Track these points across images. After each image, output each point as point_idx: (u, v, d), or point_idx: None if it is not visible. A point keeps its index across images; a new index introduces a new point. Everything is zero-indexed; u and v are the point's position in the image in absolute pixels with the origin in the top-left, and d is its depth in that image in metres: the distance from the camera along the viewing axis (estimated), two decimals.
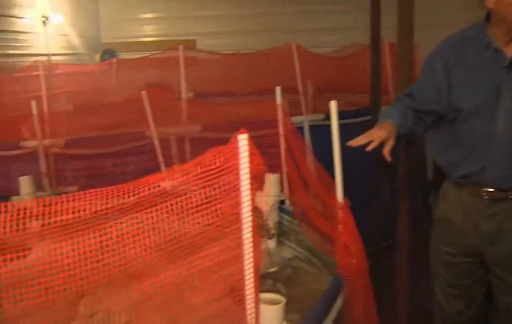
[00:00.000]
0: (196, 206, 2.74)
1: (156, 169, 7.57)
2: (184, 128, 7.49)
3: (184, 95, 7.96)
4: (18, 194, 7.49)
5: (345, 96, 9.99)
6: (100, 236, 2.68)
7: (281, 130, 6.05)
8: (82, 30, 15.16)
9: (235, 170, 2.79)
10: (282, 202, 6.17)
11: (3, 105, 9.31)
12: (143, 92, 7.30)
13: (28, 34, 12.55)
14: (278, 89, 5.95)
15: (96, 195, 2.58)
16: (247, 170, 2.79)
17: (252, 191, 2.78)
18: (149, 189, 2.66)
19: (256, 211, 2.84)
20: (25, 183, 7.46)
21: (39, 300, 2.33)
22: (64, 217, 2.39)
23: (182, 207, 2.72)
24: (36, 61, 10.06)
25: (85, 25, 15.46)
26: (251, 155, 2.83)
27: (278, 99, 5.95)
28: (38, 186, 7.60)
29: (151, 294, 2.87)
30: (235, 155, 2.80)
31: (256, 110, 7.92)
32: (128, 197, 2.67)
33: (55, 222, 2.36)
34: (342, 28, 14.55)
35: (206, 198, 2.76)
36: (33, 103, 7.62)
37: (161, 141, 7.38)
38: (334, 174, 4.00)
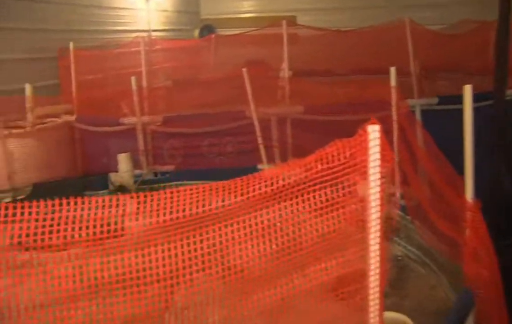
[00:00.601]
0: (316, 210, 2.28)
1: (254, 151, 7.23)
2: (286, 109, 7.06)
3: (286, 74, 7.51)
4: (116, 170, 7.46)
5: (459, 78, 9.09)
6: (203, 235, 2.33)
7: (394, 115, 5.44)
8: (182, 6, 15.12)
9: (363, 168, 2.29)
10: (391, 195, 5.61)
11: (105, 81, 9.34)
12: (244, 69, 6.93)
13: (131, 10, 12.64)
14: (392, 70, 5.35)
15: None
16: (378, 169, 2.29)
17: (381, 193, 2.29)
18: (263, 187, 2.23)
19: (387, 215, 2.36)
20: (123, 160, 7.39)
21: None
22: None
23: (298, 210, 2.28)
24: (137, 36, 10.01)
25: (185, 1, 15.42)
26: (382, 150, 2.32)
27: (393, 81, 5.35)
28: (135, 163, 7.52)
29: (251, 295, 2.47)
30: (363, 150, 2.30)
31: (361, 91, 7.31)
32: (236, 195, 2.27)
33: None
34: (450, 2, 13.55)
35: (327, 200, 2.30)
36: (133, 79, 7.50)
37: (260, 122, 7.00)
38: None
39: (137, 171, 7.50)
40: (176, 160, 7.59)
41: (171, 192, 2.23)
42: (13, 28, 8.76)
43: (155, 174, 7.60)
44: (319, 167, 2.30)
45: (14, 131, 7.50)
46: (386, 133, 6.00)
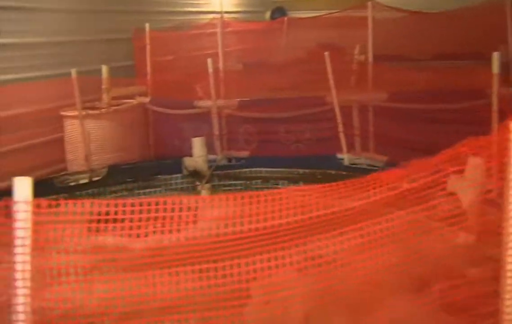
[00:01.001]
0: (445, 218, 1.96)
1: (334, 139, 6.90)
2: (368, 96, 6.67)
3: (370, 58, 7.10)
4: (188, 155, 7.32)
5: None
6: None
7: (494, 105, 4.96)
8: None
9: (502, 172, 1.95)
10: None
11: (179, 63, 9.23)
12: (326, 53, 6.59)
13: None
14: (495, 55, 4.85)
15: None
16: None
17: None
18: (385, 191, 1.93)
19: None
20: (198, 144, 7.22)
21: None
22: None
23: (424, 218, 1.97)
24: (213, 18, 9.83)
25: None
26: None
27: (495, 68, 4.86)
28: (209, 148, 7.35)
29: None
30: (503, 150, 1.95)
31: (451, 78, 6.81)
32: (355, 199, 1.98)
33: None
34: None
35: (457, 208, 1.97)
36: (209, 61, 7.31)
37: (340, 109, 6.66)
38: None
39: (211, 156, 7.33)
40: (251, 146, 7.37)
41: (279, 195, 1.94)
42: (91, 10, 8.78)
43: (229, 159, 7.41)
44: (450, 169, 1.97)
45: (91, 112, 7.50)
46: (475, 124, 5.48)
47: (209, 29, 9.44)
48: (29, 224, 1.88)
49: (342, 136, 6.68)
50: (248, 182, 7.24)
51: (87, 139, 7.26)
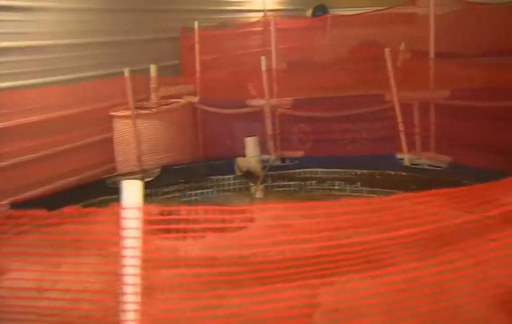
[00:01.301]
0: None
1: (393, 138, 6.64)
2: (429, 93, 6.39)
3: (432, 54, 6.82)
4: (242, 155, 7.16)
5: None
6: None
7: None
8: None
9: None
10: None
11: (227, 61, 9.09)
12: (387, 49, 6.35)
13: None
14: None
15: None
16: None
17: None
18: None
19: None
20: (251, 144, 7.06)
21: None
22: None
23: None
24: (264, 16, 9.66)
25: None
26: None
27: None
28: (262, 148, 7.18)
29: None
30: None
31: None
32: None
33: None
34: None
35: None
36: (263, 60, 7.14)
37: (400, 107, 6.40)
38: None
39: (264, 156, 7.16)
40: (306, 145, 7.15)
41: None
42: (140, 9, 8.71)
43: (283, 160, 7.22)
44: None
45: (141, 112, 7.40)
46: None
47: (256, 27, 9.26)
48: (139, 233, 1.71)
49: (402, 135, 6.41)
50: (302, 183, 7.05)
51: (139, 139, 7.16)
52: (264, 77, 7.07)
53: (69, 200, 6.52)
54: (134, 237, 1.71)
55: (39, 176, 6.62)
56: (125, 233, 1.71)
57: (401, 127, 6.42)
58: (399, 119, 6.41)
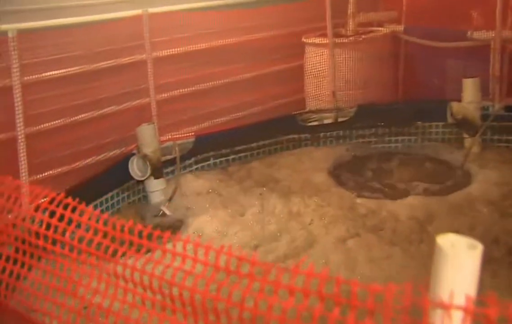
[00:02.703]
0: None
1: None
2: None
3: None
4: (457, 99, 5.90)
5: None
6: None
7: None
8: None
9: None
10: None
11: None
12: None
13: None
14: None
15: None
16: None
17: None
18: None
19: None
20: (470, 86, 5.75)
21: None
22: None
23: None
24: None
25: None
26: None
27: None
28: (483, 92, 5.84)
29: None
30: None
31: None
32: None
33: None
34: None
35: None
36: None
37: None
38: None
39: (484, 103, 5.83)
40: None
41: None
42: None
43: (508, 109, 5.81)
44: None
45: (337, 40, 6.45)
46: None
47: None
48: None
49: None
50: None
51: (335, 73, 6.26)
52: (498, 2, 5.62)
53: (257, 136, 5.96)
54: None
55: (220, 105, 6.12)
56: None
57: None
58: None
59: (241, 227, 4.50)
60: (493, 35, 5.80)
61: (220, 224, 4.54)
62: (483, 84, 5.79)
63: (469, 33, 6.06)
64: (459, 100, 5.77)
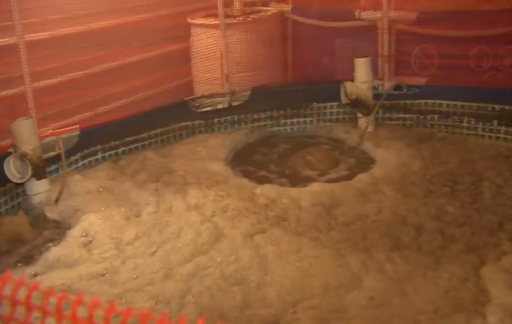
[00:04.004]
0: None
1: None
2: None
3: None
4: (350, 79, 5.91)
5: None
6: None
7: None
8: None
9: None
10: None
11: None
12: None
13: None
14: None
15: None
16: None
17: None
18: None
19: None
20: (362, 66, 5.76)
21: None
22: None
23: None
24: None
25: None
26: None
27: None
28: (374, 72, 5.90)
29: None
30: None
31: None
32: None
33: None
34: None
35: None
36: None
37: None
38: None
39: (375, 82, 5.91)
40: (429, 71, 5.83)
41: None
42: None
43: (398, 87, 5.92)
44: None
45: (227, 21, 6.16)
46: None
47: None
48: None
49: None
50: (422, 116, 5.80)
51: (226, 55, 5.99)
52: None
53: (149, 125, 5.55)
54: None
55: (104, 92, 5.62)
56: None
57: None
58: None
59: (138, 229, 4.09)
60: (380, 15, 5.87)
61: (114, 228, 4.09)
62: (372, 64, 5.86)
63: (357, 13, 6.09)
64: (351, 80, 5.79)
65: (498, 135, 5.45)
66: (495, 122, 5.46)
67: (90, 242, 3.96)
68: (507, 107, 5.40)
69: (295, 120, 6.04)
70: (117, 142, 5.28)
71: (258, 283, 3.43)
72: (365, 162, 5.23)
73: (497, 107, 5.46)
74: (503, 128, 5.42)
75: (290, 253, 3.71)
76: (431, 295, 3.15)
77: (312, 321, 3.02)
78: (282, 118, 6.02)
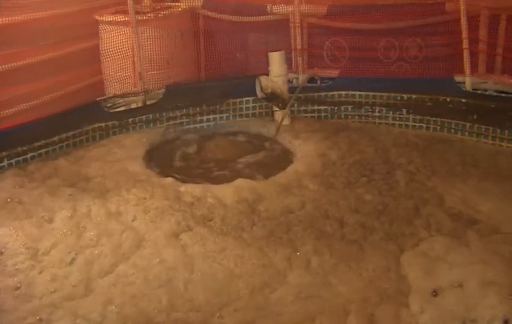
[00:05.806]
0: None
1: (451, 58, 5.56)
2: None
3: None
4: (265, 73, 5.93)
5: None
6: None
7: None
8: None
9: None
10: None
11: None
12: None
13: None
14: None
15: None
16: None
17: None
18: None
19: None
20: (276, 60, 5.80)
21: None
22: None
23: None
24: None
25: None
26: None
27: None
28: (288, 65, 5.95)
29: None
30: None
31: None
32: None
33: None
34: None
35: None
36: None
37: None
38: None
39: (292, 75, 5.98)
40: (341, 63, 5.97)
41: None
42: None
43: (312, 80, 6.02)
44: None
45: (139, 18, 5.96)
46: None
47: None
48: None
49: (466, 54, 5.32)
50: (335, 108, 5.93)
51: (138, 53, 5.80)
52: None
53: (59, 128, 5.26)
54: None
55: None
56: None
57: (465, 44, 5.31)
58: (465, 33, 5.28)
59: (53, 238, 3.86)
60: (292, 9, 5.93)
61: (27, 238, 3.83)
62: (286, 58, 5.90)
63: (268, 7, 6.10)
64: (266, 74, 5.81)
65: (407, 123, 5.69)
66: (404, 110, 5.70)
67: (1, 253, 3.70)
68: (414, 96, 5.65)
69: (211, 116, 5.97)
70: (25, 148, 4.95)
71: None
72: (284, 156, 5.26)
73: (405, 96, 5.70)
74: (411, 116, 5.67)
75: (216, 253, 3.66)
76: (357, 285, 3.22)
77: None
78: (198, 115, 5.93)
